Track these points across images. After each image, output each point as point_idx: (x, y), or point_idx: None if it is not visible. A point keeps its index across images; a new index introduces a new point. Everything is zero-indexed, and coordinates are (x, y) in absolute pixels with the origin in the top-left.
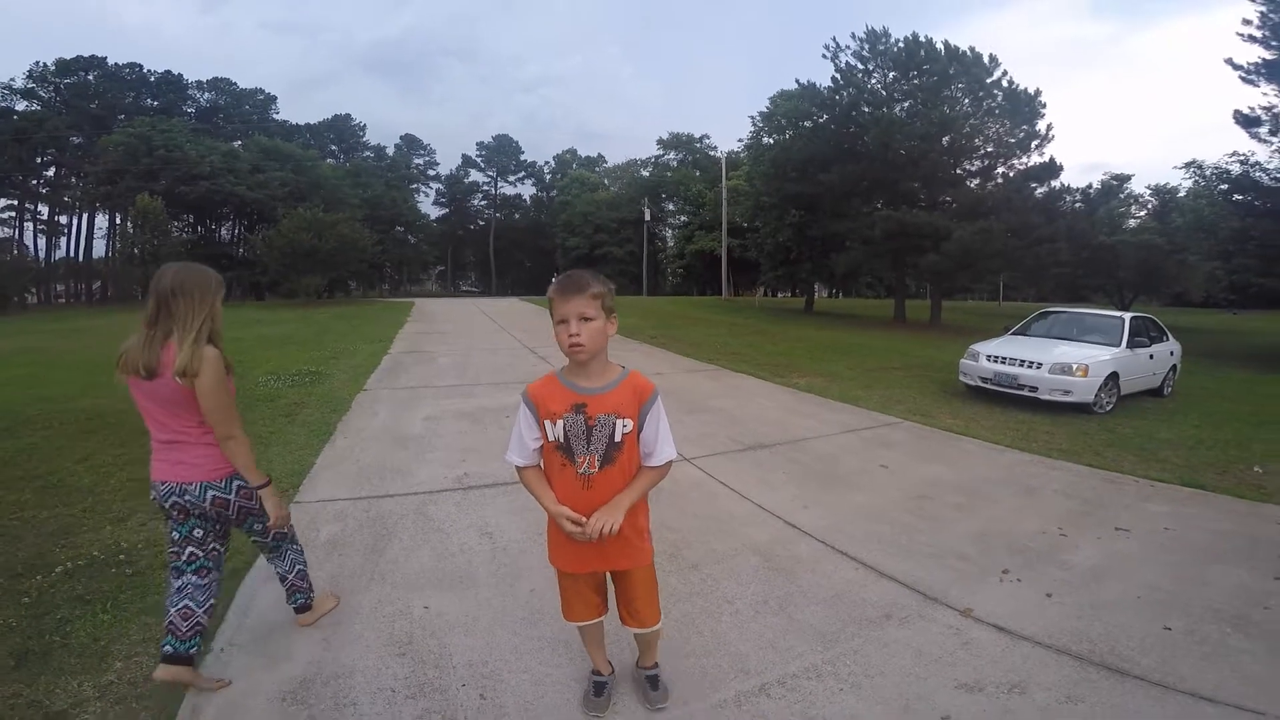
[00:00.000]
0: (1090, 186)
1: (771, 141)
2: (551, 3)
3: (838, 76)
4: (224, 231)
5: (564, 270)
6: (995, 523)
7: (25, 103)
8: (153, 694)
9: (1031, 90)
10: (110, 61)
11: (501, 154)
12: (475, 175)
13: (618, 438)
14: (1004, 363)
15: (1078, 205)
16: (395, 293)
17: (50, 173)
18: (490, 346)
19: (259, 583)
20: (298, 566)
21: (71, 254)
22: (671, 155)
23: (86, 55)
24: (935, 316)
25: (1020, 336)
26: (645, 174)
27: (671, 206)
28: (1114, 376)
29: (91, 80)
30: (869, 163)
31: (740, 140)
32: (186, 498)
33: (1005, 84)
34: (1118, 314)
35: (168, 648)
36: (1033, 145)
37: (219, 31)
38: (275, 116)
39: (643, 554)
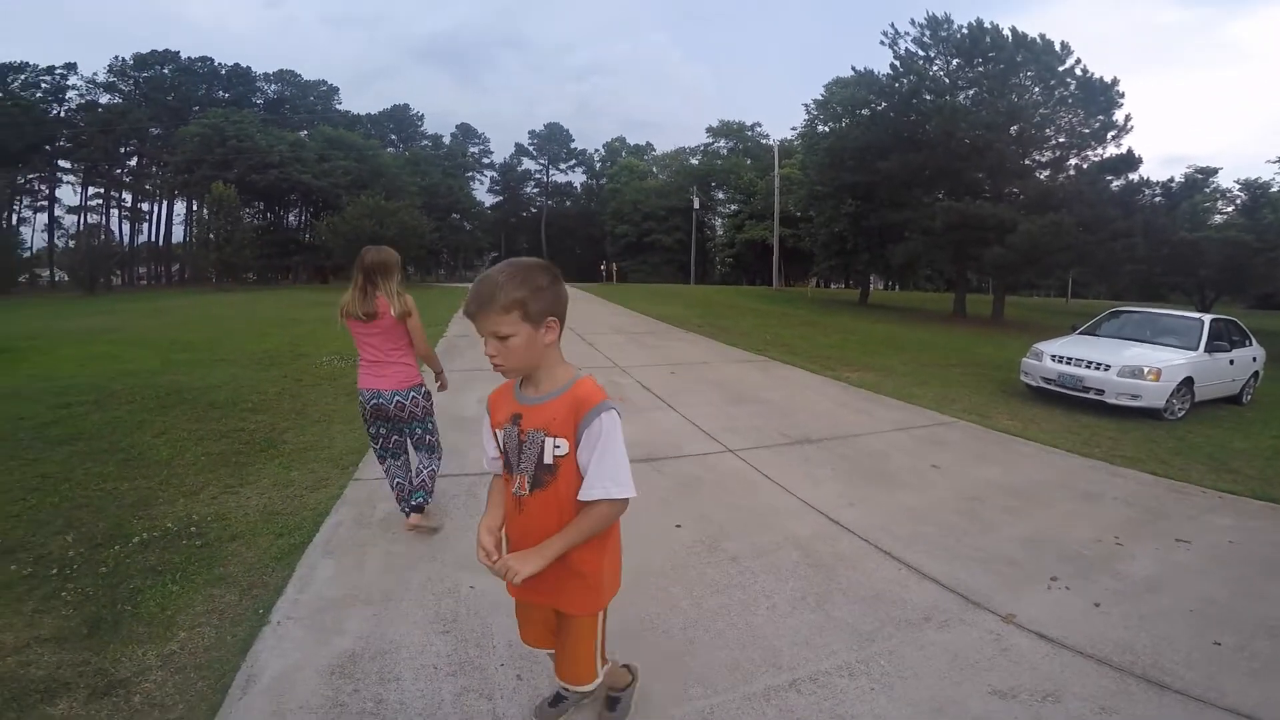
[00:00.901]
0: (1172, 180)
1: (827, 129)
2: None
3: (897, 64)
4: (291, 218)
5: (613, 258)
6: (1048, 528)
7: (108, 96)
8: (210, 664)
9: (1108, 79)
10: (184, 55)
11: (553, 142)
12: (528, 163)
13: (547, 458)
14: (1070, 363)
15: (1157, 199)
16: (451, 278)
17: (133, 162)
18: None
19: (318, 557)
20: (433, 469)
21: (153, 239)
22: (721, 143)
23: (161, 50)
24: (998, 312)
25: (1089, 336)
26: (694, 162)
27: (721, 195)
28: (1188, 382)
29: (167, 74)
30: (931, 151)
31: (793, 128)
32: (380, 400)
33: (1079, 72)
34: (1196, 315)
35: (403, 507)
36: (1109, 136)
37: (283, 25)
38: (338, 107)
39: (583, 602)
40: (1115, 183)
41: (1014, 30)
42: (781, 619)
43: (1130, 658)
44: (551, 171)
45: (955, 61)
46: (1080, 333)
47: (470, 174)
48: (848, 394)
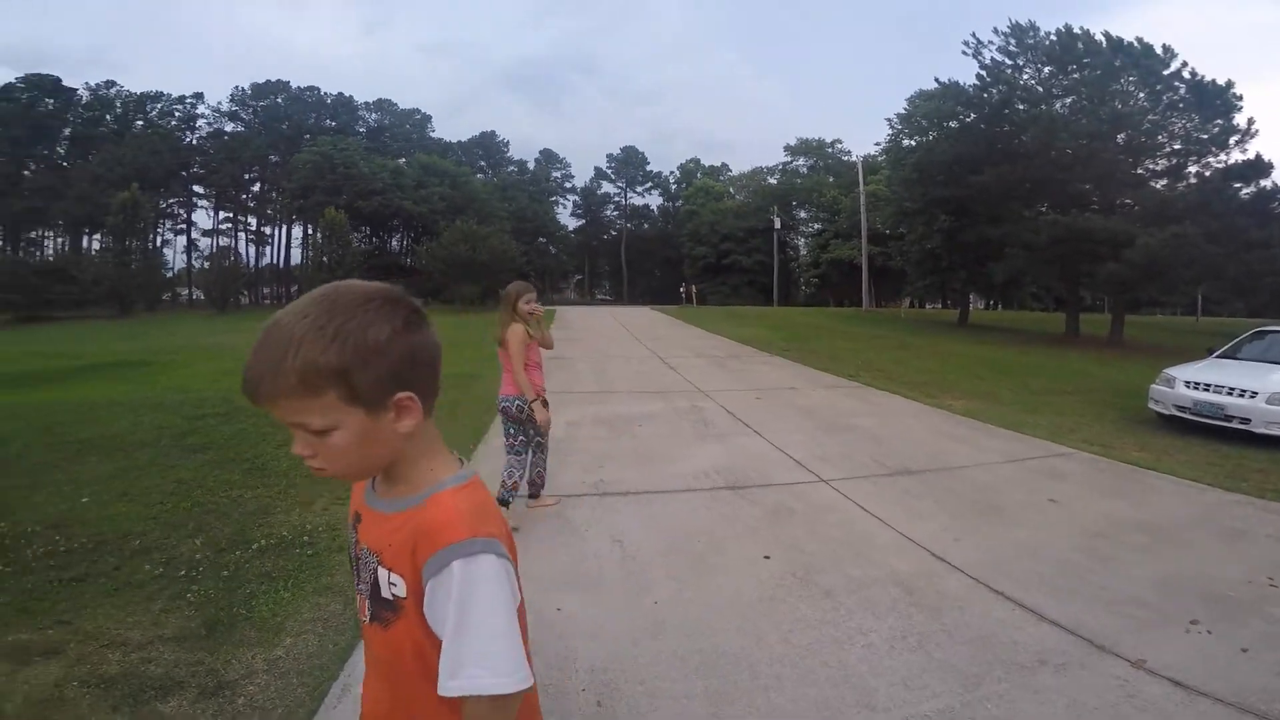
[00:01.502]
0: None
1: (913, 144)
2: (662, 15)
3: (983, 74)
4: (394, 242)
5: (691, 280)
6: (1187, 568)
7: (232, 124)
8: (311, 671)
9: (1221, 82)
10: (294, 85)
11: (629, 165)
12: (606, 187)
13: (385, 593)
14: (1208, 390)
15: None
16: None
17: (256, 188)
18: (624, 354)
19: None
20: (540, 469)
21: (274, 261)
22: (800, 161)
23: (275, 80)
24: (1116, 333)
25: (1228, 360)
26: (773, 181)
27: (803, 214)
28: None
29: (280, 103)
30: (1029, 163)
31: (877, 144)
32: (503, 404)
33: (1187, 76)
34: None
35: (503, 494)
36: (1231, 141)
37: (379, 55)
38: (431, 135)
39: None
40: (1245, 190)
41: (1108, 35)
42: (878, 658)
43: None
44: (629, 194)
45: (1047, 69)
46: (1218, 356)
47: (554, 198)
48: (950, 422)
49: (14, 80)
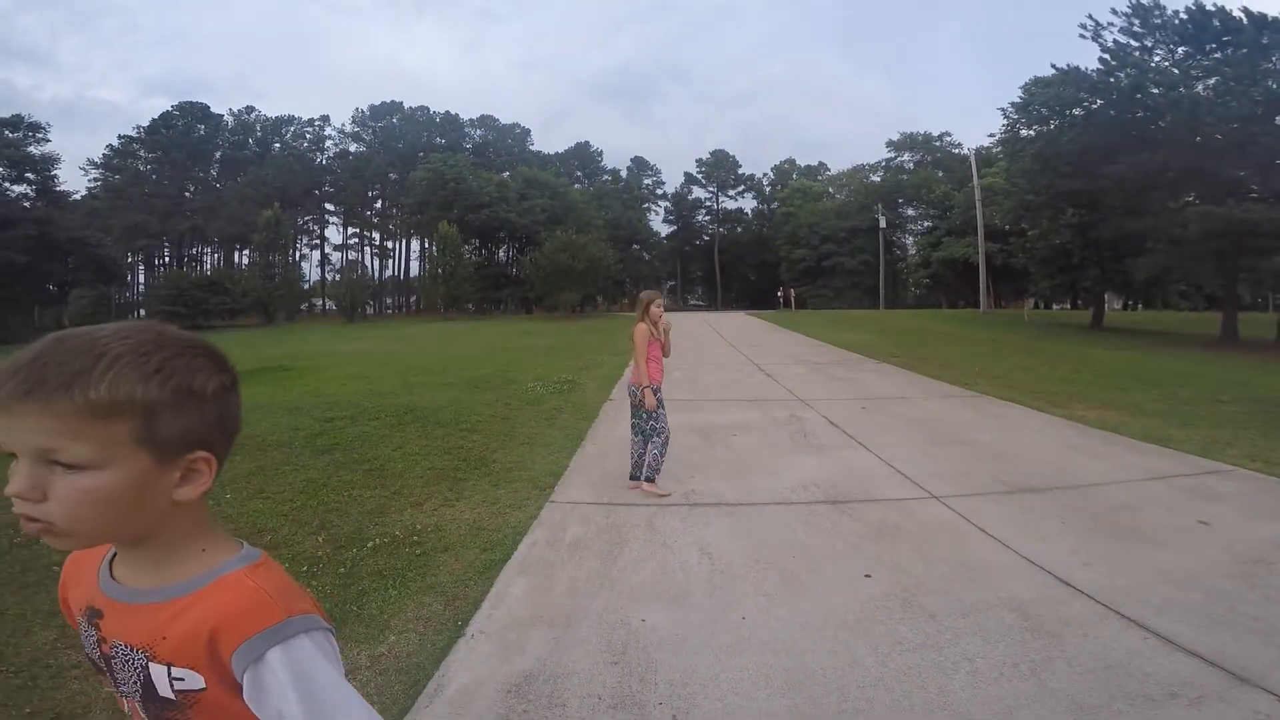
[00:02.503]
0: None
1: (1032, 133)
2: (749, 16)
3: (1106, 57)
4: (501, 253)
5: (789, 284)
6: None
7: (355, 145)
8: (409, 669)
9: None
10: (406, 105)
11: (720, 169)
12: (697, 192)
13: (166, 691)
14: None
15: None
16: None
17: (378, 205)
18: (717, 362)
19: (513, 575)
20: (654, 452)
21: (396, 273)
22: (905, 156)
23: (390, 101)
24: None
25: None
26: (876, 179)
27: (911, 211)
28: None
29: (396, 123)
30: (1170, 150)
31: (991, 135)
32: (628, 390)
33: None
34: None
35: (642, 474)
36: None
37: (477, 74)
38: (531, 148)
39: None
40: None
41: (1247, 10)
42: (983, 685)
43: None
44: (720, 198)
45: (1181, 50)
46: None
47: (646, 205)
48: (1081, 436)
49: (170, 108)
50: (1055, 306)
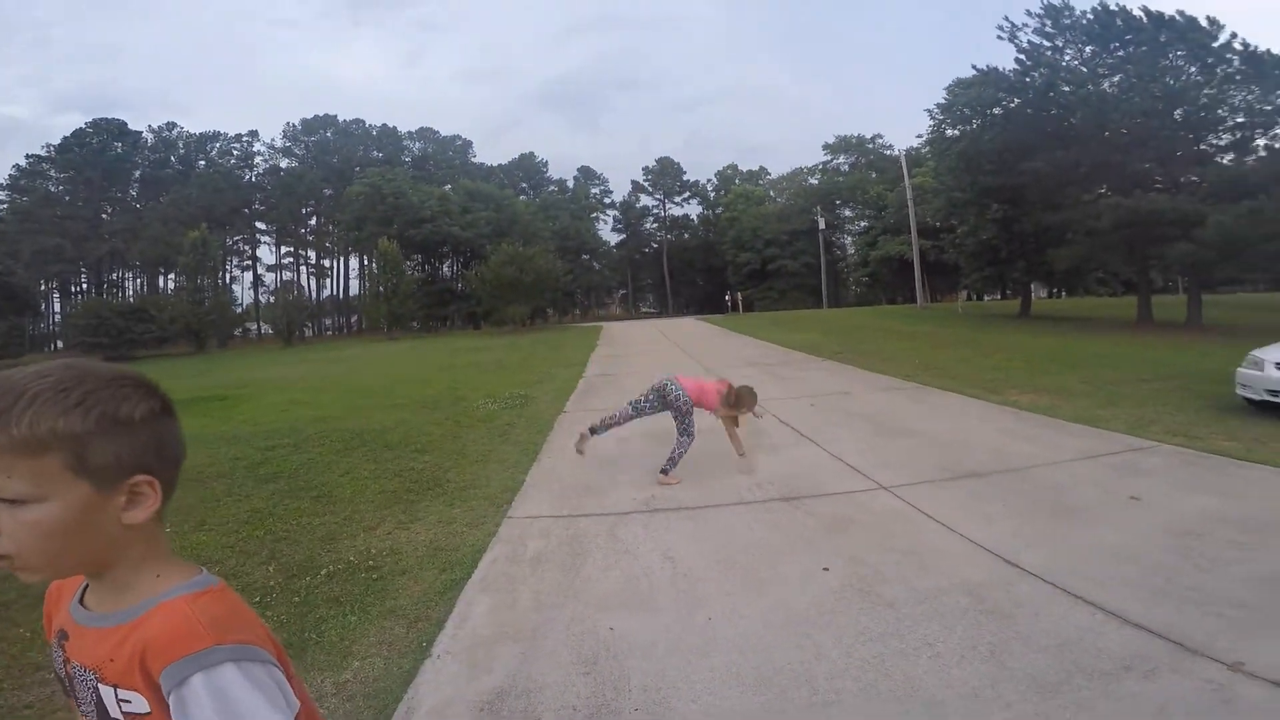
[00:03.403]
0: None
1: (957, 133)
2: (696, 24)
3: (1022, 57)
4: (445, 269)
5: (736, 287)
6: None
7: (286, 160)
8: (377, 694)
9: (1277, 52)
10: (340, 119)
11: (666, 176)
12: (645, 200)
13: (115, 712)
14: None
15: None
16: (585, 317)
17: (313, 222)
18: (670, 369)
19: (475, 593)
20: (682, 451)
21: (334, 293)
22: (841, 159)
23: (323, 115)
24: (1194, 315)
25: None
26: (814, 182)
27: (848, 212)
28: None
29: (330, 137)
30: (1082, 146)
31: (919, 136)
32: (678, 393)
33: (1239, 47)
34: None
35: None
36: None
37: (419, 85)
38: (473, 160)
39: None
40: None
41: (1146, 9)
42: (946, 669)
43: None
44: (667, 205)
45: (1089, 49)
46: None
47: (594, 215)
48: (1017, 420)
49: (84, 125)
50: (986, 298)
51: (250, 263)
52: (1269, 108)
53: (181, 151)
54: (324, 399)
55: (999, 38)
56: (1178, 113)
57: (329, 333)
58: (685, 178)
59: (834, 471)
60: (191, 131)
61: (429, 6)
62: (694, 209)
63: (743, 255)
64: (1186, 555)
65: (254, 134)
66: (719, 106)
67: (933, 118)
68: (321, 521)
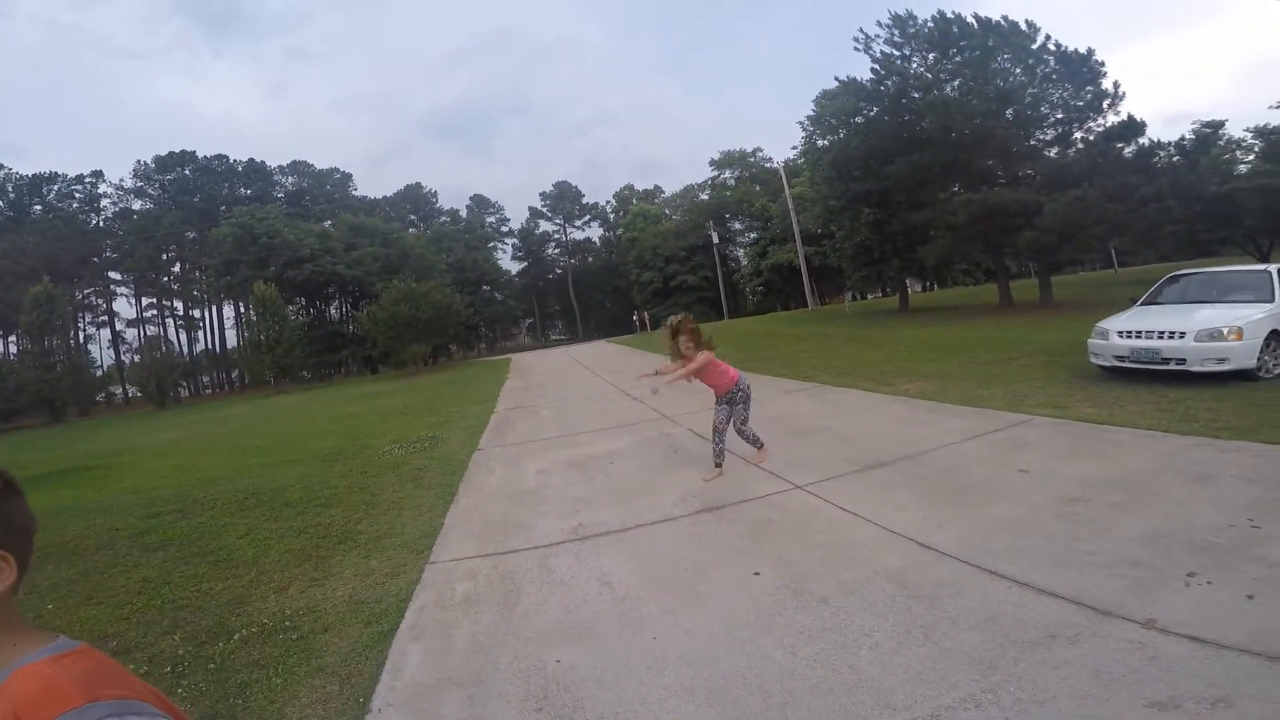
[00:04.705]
0: (1183, 138)
1: (826, 143)
2: (585, 46)
3: (876, 67)
4: (333, 310)
5: (642, 307)
6: (1168, 520)
7: (139, 201)
8: None
9: (1083, 50)
10: (200, 155)
11: (564, 200)
12: (545, 225)
13: None
14: (1140, 337)
15: (1175, 159)
16: (492, 350)
17: (176, 269)
18: (585, 393)
19: (407, 643)
20: (752, 433)
21: (209, 345)
22: (727, 174)
23: (179, 151)
24: (1046, 295)
25: (1153, 306)
26: (704, 197)
27: (738, 225)
28: (1276, 335)
29: (189, 174)
30: (934, 148)
31: (794, 147)
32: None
33: (1052, 48)
34: (1262, 267)
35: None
36: (1105, 105)
37: (290, 116)
38: (354, 193)
39: None
40: (1127, 150)
41: (977, 16)
42: (888, 657)
43: None
44: (568, 230)
45: (932, 56)
46: (1142, 303)
47: (492, 244)
48: (910, 408)
49: None
50: (869, 296)
51: (106, 318)
52: (1081, 104)
53: (12, 196)
54: (210, 461)
55: (855, 49)
56: (1009, 112)
57: (208, 391)
58: (585, 200)
59: (751, 476)
60: (23, 173)
61: (300, 35)
62: (596, 231)
63: (646, 274)
64: (1078, 521)
65: (99, 174)
66: (613, 128)
67: (804, 129)
68: (225, 586)
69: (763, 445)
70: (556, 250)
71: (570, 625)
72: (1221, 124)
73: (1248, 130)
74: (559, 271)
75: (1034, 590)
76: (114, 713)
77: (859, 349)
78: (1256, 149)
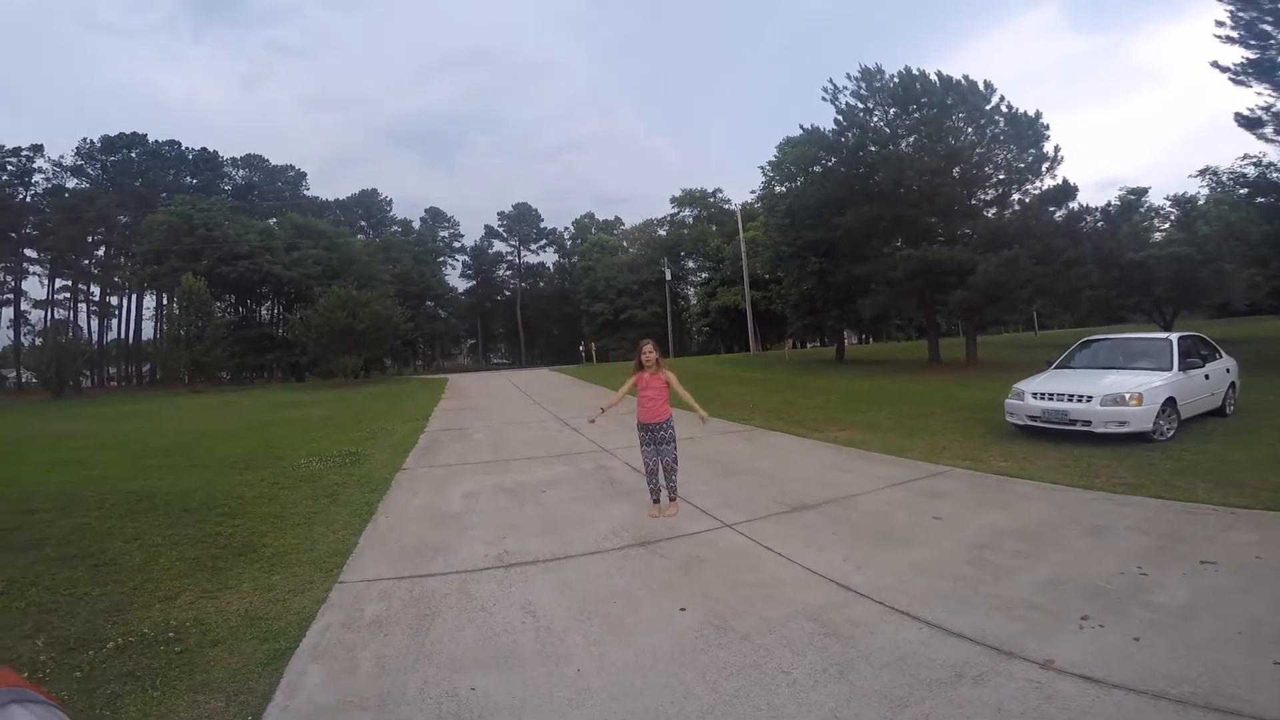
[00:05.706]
0: (1109, 204)
1: (784, 190)
2: (564, 72)
3: (840, 118)
4: (264, 311)
5: (590, 337)
6: (1066, 568)
7: (76, 180)
8: None
9: (1031, 113)
10: (151, 139)
11: (522, 222)
12: (499, 245)
13: None
14: (1052, 399)
15: (1099, 224)
16: (429, 369)
17: (101, 252)
18: (522, 420)
19: (306, 662)
20: (673, 480)
21: (122, 335)
22: (686, 212)
23: (130, 133)
24: (972, 354)
25: (1065, 370)
26: (662, 233)
27: (692, 264)
28: (1171, 402)
29: (135, 158)
30: (884, 202)
31: (753, 191)
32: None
33: (1005, 109)
34: (1164, 336)
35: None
36: (1043, 168)
37: (257, 108)
38: (306, 193)
39: None
40: (1058, 213)
41: (940, 74)
42: (804, 694)
43: (1188, 689)
44: (523, 252)
45: (892, 110)
46: (1056, 367)
47: (442, 259)
48: (838, 455)
49: None
50: (809, 345)
51: (12, 296)
52: (1022, 166)
53: None
54: (103, 458)
55: (823, 99)
56: (956, 170)
57: (114, 384)
58: (543, 225)
59: (683, 513)
60: None
61: (285, 29)
62: (550, 257)
63: (597, 305)
64: (983, 566)
65: (38, 148)
66: (580, 155)
67: (765, 174)
68: (103, 592)
69: (676, 498)
70: (508, 272)
71: (489, 653)
72: (1145, 191)
73: (1167, 199)
74: (508, 293)
75: (943, 631)
76: (15, 699)
77: (794, 395)
78: (1173, 218)
